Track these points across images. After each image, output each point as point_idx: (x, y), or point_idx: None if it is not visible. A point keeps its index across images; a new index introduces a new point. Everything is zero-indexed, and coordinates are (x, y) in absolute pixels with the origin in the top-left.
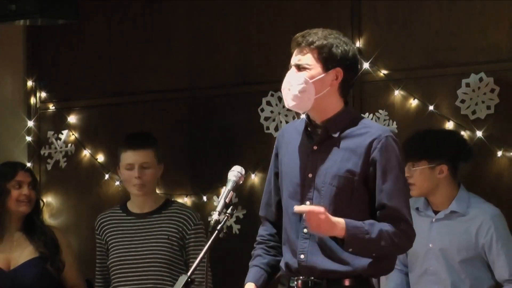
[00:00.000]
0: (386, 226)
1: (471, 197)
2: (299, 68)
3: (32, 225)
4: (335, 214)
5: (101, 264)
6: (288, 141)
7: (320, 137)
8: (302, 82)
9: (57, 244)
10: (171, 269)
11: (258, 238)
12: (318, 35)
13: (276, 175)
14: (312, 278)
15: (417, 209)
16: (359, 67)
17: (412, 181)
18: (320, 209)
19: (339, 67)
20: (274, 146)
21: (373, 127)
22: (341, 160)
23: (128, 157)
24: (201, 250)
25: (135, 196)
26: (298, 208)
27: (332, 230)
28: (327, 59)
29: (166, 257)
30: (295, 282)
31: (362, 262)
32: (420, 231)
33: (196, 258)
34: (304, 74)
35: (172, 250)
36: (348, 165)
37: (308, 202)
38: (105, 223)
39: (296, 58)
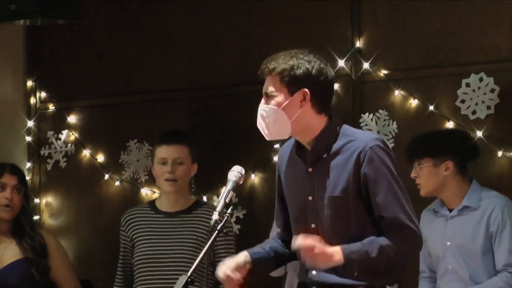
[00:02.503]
0: (386, 240)
1: (483, 191)
2: (267, 96)
3: (20, 229)
4: (336, 234)
5: (123, 260)
6: (286, 163)
7: (311, 159)
8: (272, 112)
9: (45, 249)
10: (197, 269)
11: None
12: (278, 61)
13: (280, 197)
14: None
15: (434, 210)
16: (327, 82)
17: (419, 181)
18: (312, 243)
19: (304, 87)
20: (276, 168)
21: (357, 139)
22: (333, 180)
23: (162, 151)
24: (230, 253)
25: (166, 193)
26: (294, 245)
27: (329, 261)
28: (290, 82)
29: (193, 257)
30: None
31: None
32: (438, 232)
33: (223, 253)
34: (272, 103)
35: (198, 251)
36: (340, 184)
37: (313, 225)
38: (132, 220)
39: (264, 87)
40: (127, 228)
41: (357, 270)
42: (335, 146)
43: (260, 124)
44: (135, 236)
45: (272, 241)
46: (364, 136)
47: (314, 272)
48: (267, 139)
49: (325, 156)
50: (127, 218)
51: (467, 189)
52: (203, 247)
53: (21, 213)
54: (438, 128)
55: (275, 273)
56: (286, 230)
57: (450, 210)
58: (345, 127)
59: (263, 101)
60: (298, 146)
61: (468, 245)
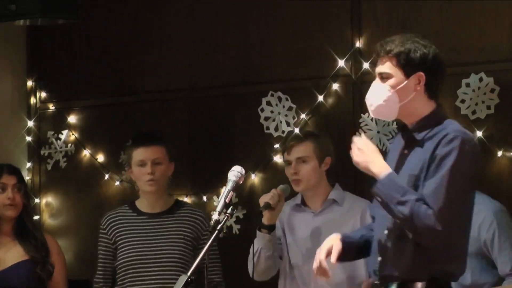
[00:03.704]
0: (420, 203)
1: (477, 194)
2: (382, 77)
3: (23, 229)
4: None
5: (104, 263)
6: (393, 148)
7: (407, 140)
8: (385, 92)
9: (48, 249)
10: (186, 269)
11: None
12: (395, 43)
13: None
14: (386, 280)
15: None
16: (441, 67)
17: None
18: (363, 141)
19: (420, 71)
20: None
21: (448, 128)
22: (417, 160)
23: (140, 153)
24: (215, 251)
25: (147, 193)
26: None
27: (368, 166)
28: (406, 65)
29: (182, 257)
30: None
31: (437, 265)
32: None
33: (211, 258)
34: (387, 83)
35: (187, 250)
36: (420, 163)
37: None
38: (114, 222)
39: (378, 68)
40: (109, 231)
41: (381, 197)
42: (431, 132)
43: (369, 100)
44: (118, 238)
45: (365, 229)
46: (457, 126)
47: (379, 258)
48: (373, 116)
49: (419, 139)
50: (109, 221)
51: None
52: (189, 246)
53: (23, 211)
54: None
55: (259, 278)
56: None
57: None
58: (450, 120)
59: (378, 80)
60: (404, 125)
61: None
